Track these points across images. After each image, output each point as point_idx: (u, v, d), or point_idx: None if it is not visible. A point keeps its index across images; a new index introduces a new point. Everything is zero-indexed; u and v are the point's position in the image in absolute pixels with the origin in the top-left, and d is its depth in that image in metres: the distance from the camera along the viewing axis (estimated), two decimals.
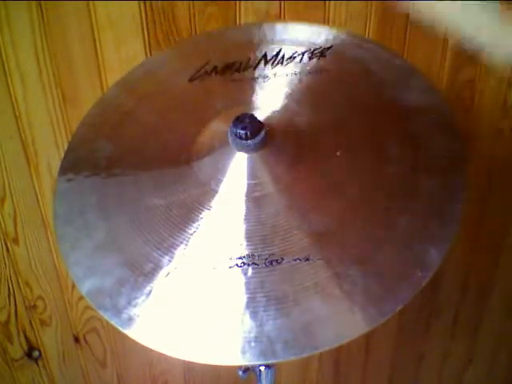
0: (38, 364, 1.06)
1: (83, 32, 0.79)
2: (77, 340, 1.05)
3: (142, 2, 0.78)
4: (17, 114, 0.83)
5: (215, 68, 0.67)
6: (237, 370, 0.70)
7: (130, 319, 0.52)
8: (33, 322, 1.01)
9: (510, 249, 1.06)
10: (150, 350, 0.52)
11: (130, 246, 0.57)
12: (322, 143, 0.61)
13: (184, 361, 0.51)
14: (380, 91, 0.65)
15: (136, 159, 0.63)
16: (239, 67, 0.67)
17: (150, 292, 0.53)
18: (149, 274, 0.54)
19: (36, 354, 1.05)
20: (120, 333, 0.53)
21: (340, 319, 0.51)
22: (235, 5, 0.80)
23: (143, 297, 0.53)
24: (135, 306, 0.53)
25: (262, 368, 0.67)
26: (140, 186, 0.61)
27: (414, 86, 0.65)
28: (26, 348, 1.04)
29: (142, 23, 0.79)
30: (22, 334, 1.02)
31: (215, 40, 0.74)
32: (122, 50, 0.80)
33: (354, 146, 0.60)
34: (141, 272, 0.54)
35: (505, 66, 0.38)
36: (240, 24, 0.82)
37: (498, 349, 1.20)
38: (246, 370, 0.70)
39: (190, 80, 0.67)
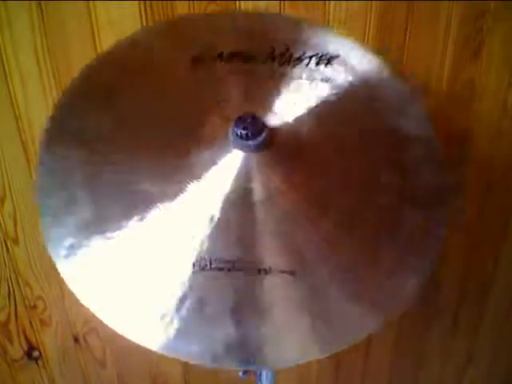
0: (37, 364, 1.06)
1: (83, 32, 0.78)
2: (76, 340, 1.05)
3: (142, 2, 0.78)
4: (17, 114, 0.83)
5: (221, 54, 0.66)
6: (237, 371, 0.70)
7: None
8: (33, 322, 1.01)
9: (510, 249, 1.06)
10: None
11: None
12: (319, 157, 0.61)
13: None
14: (379, 115, 0.65)
15: (130, 141, 0.61)
16: (246, 58, 0.66)
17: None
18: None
19: (36, 354, 1.05)
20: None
21: (295, 342, 0.51)
22: (235, 4, 0.80)
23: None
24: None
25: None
26: (133, 171, 0.59)
27: (412, 114, 0.65)
28: (25, 348, 1.04)
29: (141, 23, 0.79)
30: (22, 334, 1.02)
31: (226, 22, 0.72)
32: None
33: (348, 168, 0.61)
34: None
35: None
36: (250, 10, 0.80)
37: (498, 349, 1.20)
38: (246, 371, 0.70)
39: (193, 62, 0.65)
